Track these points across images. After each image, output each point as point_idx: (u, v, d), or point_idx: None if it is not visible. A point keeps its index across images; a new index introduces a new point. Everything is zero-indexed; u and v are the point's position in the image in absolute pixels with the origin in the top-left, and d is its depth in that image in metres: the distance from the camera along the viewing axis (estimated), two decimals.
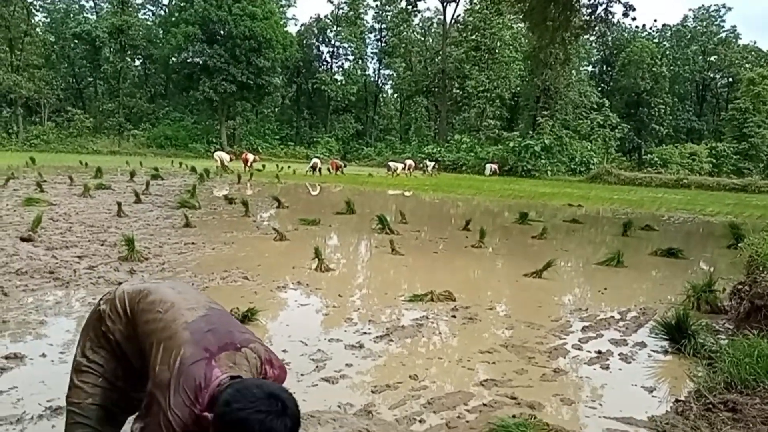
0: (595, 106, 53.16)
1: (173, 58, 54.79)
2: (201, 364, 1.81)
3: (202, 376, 1.78)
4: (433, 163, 42.28)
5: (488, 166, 43.19)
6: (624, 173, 42.16)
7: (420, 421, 3.75)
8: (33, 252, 8.01)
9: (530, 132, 48.62)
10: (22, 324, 5.14)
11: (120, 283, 2.30)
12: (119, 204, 12.73)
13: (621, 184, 38.22)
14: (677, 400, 4.18)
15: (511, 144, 45.82)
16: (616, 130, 51.80)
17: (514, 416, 3.68)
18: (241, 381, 1.76)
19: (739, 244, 8.68)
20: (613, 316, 6.53)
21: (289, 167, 37.66)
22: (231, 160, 33.15)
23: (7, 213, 11.80)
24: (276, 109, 68.92)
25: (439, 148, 51.71)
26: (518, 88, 55.89)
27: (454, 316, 6.27)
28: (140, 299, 2.07)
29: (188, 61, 53.72)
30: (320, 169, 32.89)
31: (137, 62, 65.24)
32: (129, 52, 60.38)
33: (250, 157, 34.89)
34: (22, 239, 8.73)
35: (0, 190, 16.29)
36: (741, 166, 47.27)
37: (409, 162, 39.14)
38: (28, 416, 3.43)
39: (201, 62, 52.89)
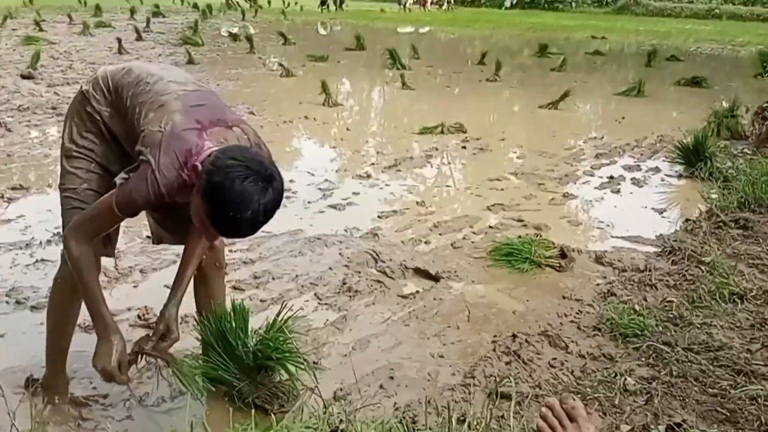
0: None
1: None
2: (192, 133, 1.73)
3: (194, 143, 1.71)
4: None
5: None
6: (653, 3, 39.40)
7: (425, 243, 3.76)
8: (34, 89, 7.81)
9: None
10: (27, 157, 5.11)
11: None
12: (119, 41, 12.21)
13: (649, 15, 35.93)
14: (687, 220, 4.13)
15: None
16: None
17: (519, 236, 3.67)
18: (229, 148, 1.68)
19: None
20: (628, 144, 6.35)
21: (296, 3, 35.68)
22: None
23: (7, 52, 11.41)
24: None
25: None
26: None
27: (464, 147, 6.13)
28: (124, 74, 1.95)
29: None
30: (329, 4, 31.04)
31: None
32: None
33: None
34: (23, 77, 8.51)
35: None
36: None
37: None
38: (36, 242, 3.49)
39: None
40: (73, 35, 14.87)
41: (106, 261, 3.21)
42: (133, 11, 21.76)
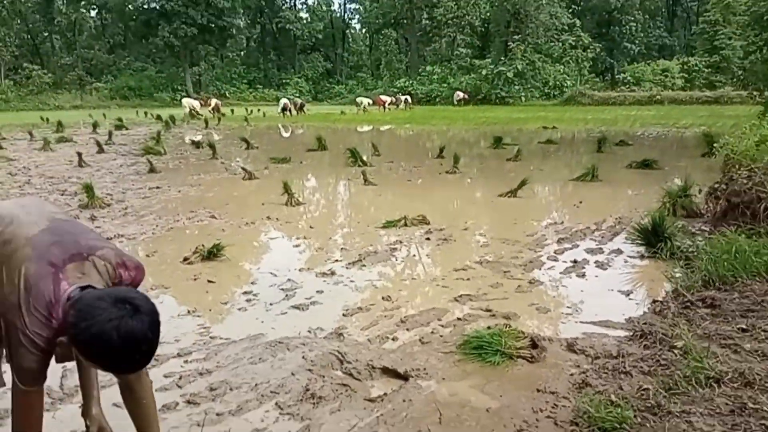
0: (566, 27, 51.98)
1: (129, 6, 52.25)
2: (48, 281, 1.73)
3: (51, 292, 1.71)
4: (406, 97, 41.48)
5: (457, 93, 43.45)
6: (597, 94, 41.88)
7: (393, 339, 3.62)
8: None
9: (502, 58, 47.59)
10: None
11: None
12: (80, 154, 12.22)
13: (595, 105, 38.06)
14: (654, 301, 4.10)
15: (484, 72, 45.04)
16: (588, 51, 50.88)
17: (488, 327, 3.56)
18: (82, 297, 1.68)
19: (715, 146, 8.57)
20: (588, 227, 6.43)
21: (258, 110, 36.75)
22: (202, 105, 32.17)
23: None
24: (241, 53, 66.61)
25: (411, 81, 50.68)
26: (488, 14, 54.24)
27: (428, 239, 6.12)
28: None
29: (144, 7, 51.35)
30: (290, 109, 32.03)
31: (92, 12, 61.98)
32: (83, 2, 57.34)
33: (213, 101, 33.83)
34: None
35: None
36: (713, 79, 46.91)
37: (386, 98, 38.39)
38: None
39: (158, 7, 50.56)
40: (33, 151, 14.90)
41: (52, 381, 3.02)
42: (95, 125, 22.07)
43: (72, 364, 3.18)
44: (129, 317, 1.60)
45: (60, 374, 3.13)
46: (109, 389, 2.97)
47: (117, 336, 1.57)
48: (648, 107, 34.53)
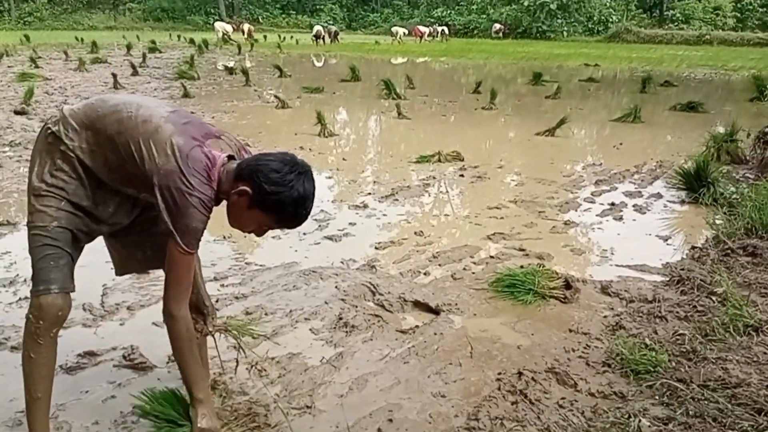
0: None
1: None
2: (197, 150, 1.83)
3: (205, 157, 1.83)
4: (443, 28, 40.17)
5: (494, 25, 42.08)
6: (644, 31, 40.00)
7: (424, 274, 3.64)
8: (27, 124, 7.76)
9: None
10: (16, 193, 5.00)
11: None
12: (115, 76, 12.24)
13: (641, 43, 36.43)
14: (693, 247, 4.02)
15: (526, 3, 43.12)
16: None
17: (521, 267, 3.55)
18: (260, 164, 1.82)
19: (766, 89, 8.17)
20: (628, 170, 6.27)
21: (291, 37, 36.09)
22: (234, 30, 31.66)
23: (1, 88, 11.40)
24: None
25: (449, 11, 48.96)
26: None
27: (462, 176, 6.04)
28: (98, 108, 1.93)
29: None
30: (324, 37, 31.36)
31: None
32: None
33: (246, 27, 33.21)
34: (16, 112, 8.47)
35: None
36: (767, 19, 44.44)
37: (424, 29, 37.29)
38: (20, 279, 3.36)
39: None
40: (68, 71, 14.94)
41: (92, 298, 3.13)
42: (129, 47, 21.96)
43: (121, 287, 3.29)
44: (307, 180, 1.83)
45: (100, 292, 3.23)
46: (148, 308, 3.08)
47: (302, 197, 1.82)
48: (696, 47, 32.93)
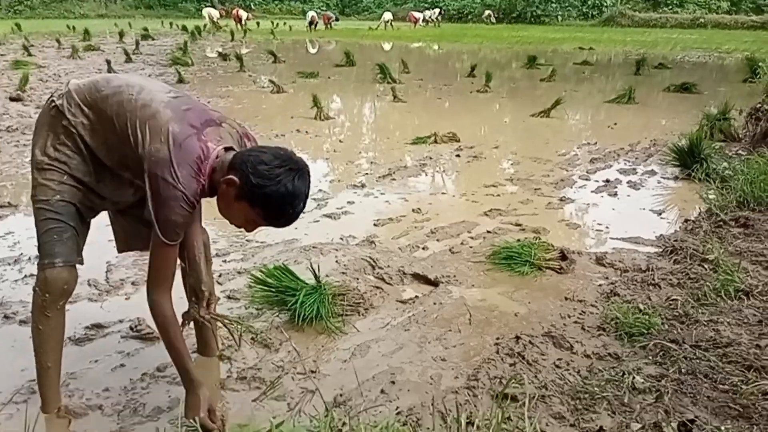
0: None
1: None
2: (193, 139, 1.80)
3: (199, 148, 1.79)
4: (435, 10, 39.95)
5: (486, 12, 41.88)
6: (638, 15, 39.98)
7: (423, 249, 3.70)
8: (23, 111, 7.75)
9: None
10: (16, 176, 5.03)
11: None
12: (108, 62, 12.21)
13: (635, 27, 36.43)
14: (687, 220, 4.09)
15: None
16: None
17: (518, 240, 3.62)
18: (252, 157, 1.78)
19: (759, 66, 8.23)
20: (622, 148, 6.34)
21: (284, 23, 35.91)
22: (221, 16, 31.51)
23: None
24: None
25: None
26: None
27: (458, 156, 6.10)
28: (102, 87, 1.93)
29: None
30: (317, 23, 31.21)
31: None
32: None
33: (243, 14, 32.97)
34: (12, 99, 8.43)
35: None
36: (760, 2, 44.30)
37: (419, 14, 37.14)
38: (25, 257, 3.41)
39: None
40: (62, 59, 14.85)
41: (97, 275, 3.18)
42: (122, 35, 21.83)
43: (126, 263, 3.34)
44: (298, 177, 1.77)
45: (104, 269, 3.28)
46: None
47: (289, 194, 1.75)
48: (690, 31, 32.92)
